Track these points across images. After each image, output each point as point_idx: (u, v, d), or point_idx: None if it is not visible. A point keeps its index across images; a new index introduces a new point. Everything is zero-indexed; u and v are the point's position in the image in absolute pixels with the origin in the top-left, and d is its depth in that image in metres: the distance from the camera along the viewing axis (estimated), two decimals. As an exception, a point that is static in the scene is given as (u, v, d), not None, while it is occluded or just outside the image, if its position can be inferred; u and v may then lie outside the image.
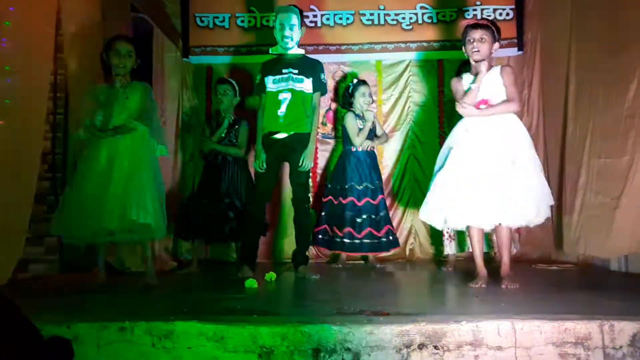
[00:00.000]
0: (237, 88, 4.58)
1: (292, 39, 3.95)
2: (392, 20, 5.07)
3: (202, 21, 5.10)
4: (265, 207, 4.14)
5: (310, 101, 3.98)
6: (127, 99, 3.45)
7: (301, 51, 4.05)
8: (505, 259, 3.34)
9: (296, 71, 3.95)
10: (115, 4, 4.37)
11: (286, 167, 4.19)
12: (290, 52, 3.99)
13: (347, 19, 5.08)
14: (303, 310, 2.76)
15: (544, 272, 4.11)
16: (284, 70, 3.97)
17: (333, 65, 5.13)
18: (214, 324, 2.27)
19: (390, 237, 4.52)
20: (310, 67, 4.01)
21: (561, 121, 4.34)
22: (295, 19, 3.94)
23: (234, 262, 4.77)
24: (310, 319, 2.32)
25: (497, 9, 5.00)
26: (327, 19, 5.08)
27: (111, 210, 3.24)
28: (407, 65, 5.17)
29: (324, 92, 4.08)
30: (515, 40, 4.98)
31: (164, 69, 5.12)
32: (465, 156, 3.31)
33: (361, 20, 5.09)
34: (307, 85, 3.97)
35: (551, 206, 3.39)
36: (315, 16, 5.07)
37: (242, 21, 5.10)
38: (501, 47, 4.90)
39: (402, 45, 5.07)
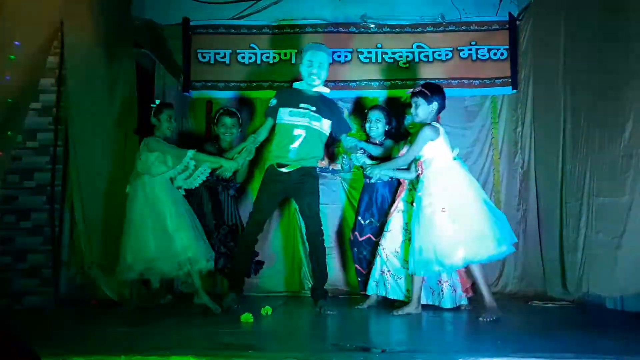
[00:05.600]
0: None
1: (319, 77, 3.98)
2: (389, 58, 5.17)
3: (203, 57, 5.19)
4: (257, 237, 4.12)
5: (323, 139, 4.04)
6: None
7: (326, 90, 4.09)
8: (484, 294, 3.57)
9: (314, 109, 3.96)
10: (118, 40, 4.45)
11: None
12: (314, 88, 4.01)
13: (345, 56, 5.18)
14: (299, 345, 2.74)
15: (540, 309, 4.10)
16: (301, 105, 3.96)
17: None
18: (210, 358, 2.26)
19: None
20: (328, 108, 4.03)
21: (556, 159, 4.37)
22: (325, 58, 3.99)
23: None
24: (307, 355, 2.31)
25: (491, 49, 5.11)
26: (326, 57, 5.17)
27: (161, 250, 3.79)
28: (404, 102, 5.24)
29: (349, 130, 4.24)
30: (510, 79, 5.07)
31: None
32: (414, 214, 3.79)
33: (359, 58, 5.19)
34: (323, 124, 3.99)
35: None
36: (313, 54, 5.16)
37: (243, 57, 5.19)
38: (495, 85, 5.10)
39: (399, 82, 5.15)
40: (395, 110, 4.78)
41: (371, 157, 4.35)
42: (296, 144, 3.90)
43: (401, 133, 4.55)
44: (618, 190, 3.55)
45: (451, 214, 3.55)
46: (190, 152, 3.93)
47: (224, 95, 5.19)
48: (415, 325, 3.45)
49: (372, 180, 4.40)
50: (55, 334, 2.94)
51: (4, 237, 4.06)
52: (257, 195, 4.08)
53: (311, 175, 3.99)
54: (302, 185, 3.94)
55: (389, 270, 4.07)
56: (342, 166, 4.64)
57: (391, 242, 4.11)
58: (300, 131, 3.91)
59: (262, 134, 4.13)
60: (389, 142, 4.47)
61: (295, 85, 4.11)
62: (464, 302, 4.03)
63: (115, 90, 4.39)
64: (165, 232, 3.79)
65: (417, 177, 3.90)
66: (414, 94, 3.80)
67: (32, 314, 3.76)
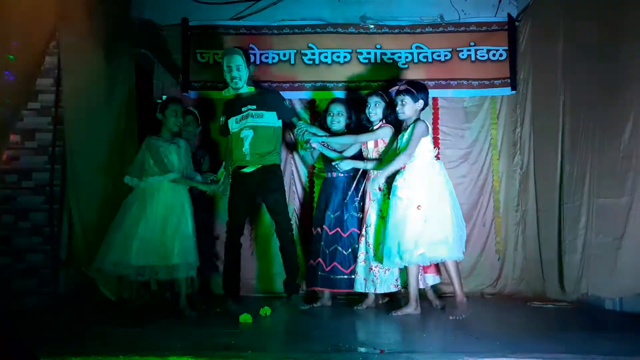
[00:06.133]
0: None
1: (240, 79, 4.15)
2: (388, 59, 5.16)
3: (202, 57, 5.18)
4: (240, 240, 4.23)
5: (273, 133, 4.17)
6: (180, 152, 4.02)
7: (251, 88, 4.23)
8: (456, 290, 3.69)
9: (254, 107, 4.14)
10: (117, 40, 4.44)
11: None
12: (242, 90, 4.18)
13: (345, 57, 5.17)
14: (298, 346, 2.74)
15: (539, 310, 4.09)
16: (242, 109, 4.16)
17: (331, 102, 5.19)
18: (208, 359, 2.26)
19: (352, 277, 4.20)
20: (268, 100, 4.20)
21: (555, 160, 4.36)
22: (239, 60, 4.13)
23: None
24: (306, 355, 2.31)
25: (490, 50, 5.10)
26: (325, 57, 5.17)
27: (157, 252, 3.76)
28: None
29: (295, 115, 4.37)
30: (509, 80, 5.07)
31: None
32: (392, 206, 3.80)
33: (358, 59, 5.18)
34: (267, 119, 4.15)
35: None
36: (313, 54, 5.15)
37: (242, 57, 5.18)
38: (495, 86, 5.09)
39: (399, 83, 5.12)
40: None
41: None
42: (247, 145, 4.10)
43: (364, 126, 4.43)
44: (618, 191, 3.54)
45: (425, 213, 3.64)
46: (171, 175, 3.92)
47: (222, 95, 5.17)
48: (413, 325, 3.45)
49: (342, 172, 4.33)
50: (54, 334, 2.94)
51: (3, 237, 4.07)
52: (228, 201, 4.22)
53: (274, 173, 4.18)
54: (267, 184, 4.12)
55: (376, 266, 4.04)
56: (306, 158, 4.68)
57: (373, 236, 4.10)
58: (247, 132, 4.11)
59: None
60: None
61: (225, 92, 4.31)
62: (437, 280, 4.12)
63: (114, 91, 4.38)
64: (153, 237, 3.78)
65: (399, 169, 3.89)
66: (399, 92, 3.91)
67: (31, 313, 3.76)
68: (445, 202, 3.70)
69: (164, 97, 4.20)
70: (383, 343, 2.71)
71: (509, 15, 5.12)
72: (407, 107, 3.87)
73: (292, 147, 5.00)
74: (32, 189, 4.14)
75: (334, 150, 4.32)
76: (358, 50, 5.18)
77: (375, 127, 4.27)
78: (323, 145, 4.32)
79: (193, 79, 5.17)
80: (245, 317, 3.43)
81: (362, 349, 2.48)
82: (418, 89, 3.91)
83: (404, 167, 3.82)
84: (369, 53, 5.17)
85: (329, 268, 4.22)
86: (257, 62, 5.15)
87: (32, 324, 3.38)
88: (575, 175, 4.05)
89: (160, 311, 3.92)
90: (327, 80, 5.16)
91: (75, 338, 2.84)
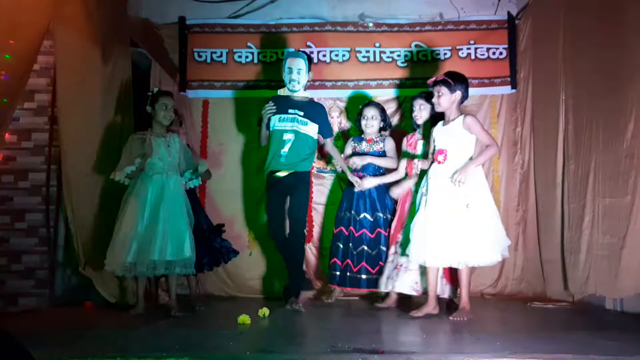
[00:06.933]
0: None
1: (298, 82, 4.15)
2: (388, 57, 5.15)
3: (199, 56, 5.16)
4: (285, 239, 4.22)
5: (312, 143, 4.21)
6: (169, 147, 3.91)
7: (306, 94, 4.28)
8: (462, 295, 3.60)
9: (302, 113, 4.15)
10: (114, 39, 4.42)
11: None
12: (297, 94, 4.19)
13: (344, 55, 5.16)
14: (297, 347, 2.72)
15: (539, 310, 4.07)
16: (290, 111, 4.16)
17: (329, 101, 5.17)
18: (206, 361, 2.24)
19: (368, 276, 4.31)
20: (316, 113, 4.24)
21: (555, 159, 4.34)
22: (302, 64, 4.13)
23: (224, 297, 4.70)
24: (305, 357, 2.29)
25: (490, 48, 5.09)
26: (324, 56, 5.15)
27: (163, 246, 3.71)
28: (402, 102, 5.22)
29: (332, 135, 4.39)
30: (509, 79, 5.05)
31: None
32: (429, 202, 3.61)
33: (357, 57, 5.16)
34: (310, 128, 4.18)
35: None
36: (312, 52, 5.12)
37: (240, 57, 5.16)
38: (495, 85, 5.07)
39: (397, 82, 5.13)
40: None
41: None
42: (286, 148, 4.11)
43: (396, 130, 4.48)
44: (621, 191, 3.52)
45: (474, 212, 3.49)
46: (128, 169, 3.79)
47: (220, 94, 5.16)
48: (413, 326, 3.42)
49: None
50: (51, 336, 2.91)
51: (-1, 238, 4.04)
52: (265, 205, 4.33)
53: (304, 180, 4.21)
54: (296, 190, 4.15)
55: (400, 264, 4.03)
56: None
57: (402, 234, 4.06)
58: (289, 135, 4.12)
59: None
60: (390, 143, 4.46)
61: (280, 92, 4.27)
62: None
63: (110, 90, 4.36)
64: (146, 233, 3.72)
65: (430, 165, 3.76)
66: (436, 83, 3.71)
67: (27, 315, 3.73)
68: (490, 202, 3.59)
69: (156, 89, 4.09)
70: (382, 344, 2.68)
71: (508, 13, 5.10)
72: (443, 99, 3.66)
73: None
74: (29, 190, 4.11)
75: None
76: (357, 49, 5.16)
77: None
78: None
79: (190, 79, 5.16)
80: (244, 319, 3.40)
81: (361, 350, 2.45)
82: (455, 80, 3.67)
83: (442, 162, 3.62)
84: (367, 52, 5.16)
85: (356, 268, 4.29)
86: (255, 61, 5.15)
87: (29, 326, 3.35)
88: (579, 174, 4.02)
89: (157, 312, 3.89)
90: (326, 79, 5.14)
91: (72, 340, 2.81)
